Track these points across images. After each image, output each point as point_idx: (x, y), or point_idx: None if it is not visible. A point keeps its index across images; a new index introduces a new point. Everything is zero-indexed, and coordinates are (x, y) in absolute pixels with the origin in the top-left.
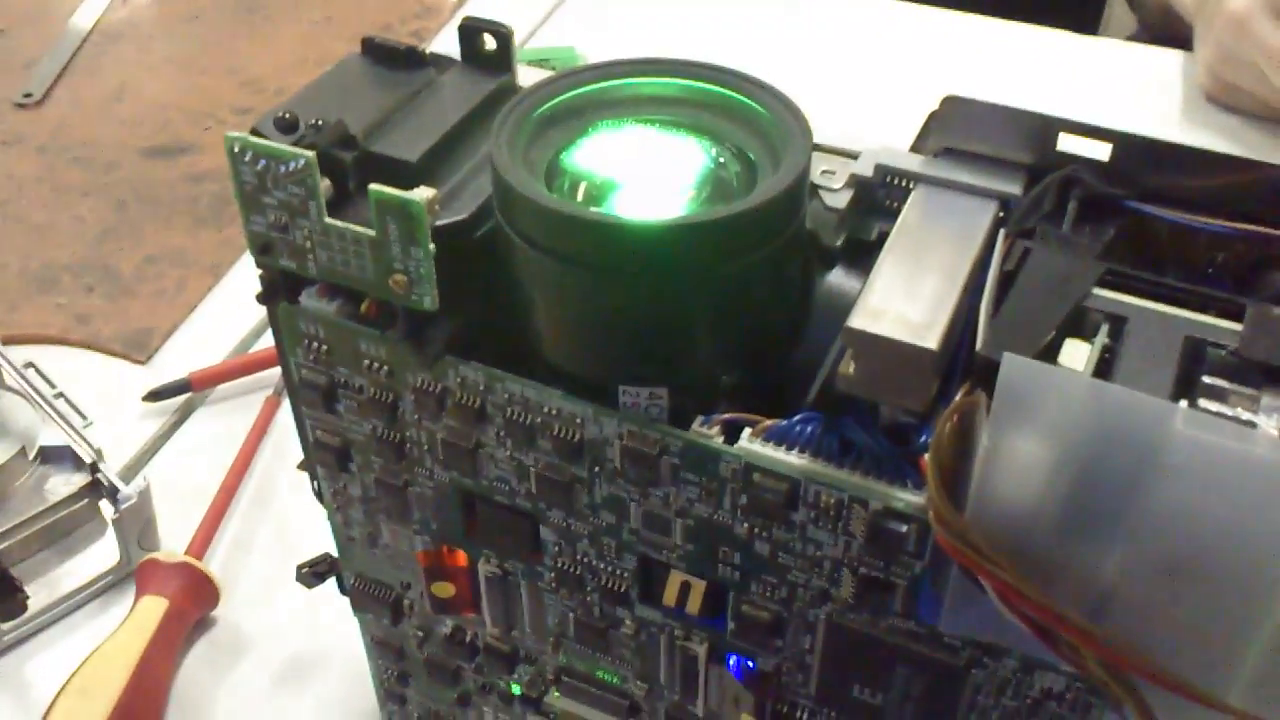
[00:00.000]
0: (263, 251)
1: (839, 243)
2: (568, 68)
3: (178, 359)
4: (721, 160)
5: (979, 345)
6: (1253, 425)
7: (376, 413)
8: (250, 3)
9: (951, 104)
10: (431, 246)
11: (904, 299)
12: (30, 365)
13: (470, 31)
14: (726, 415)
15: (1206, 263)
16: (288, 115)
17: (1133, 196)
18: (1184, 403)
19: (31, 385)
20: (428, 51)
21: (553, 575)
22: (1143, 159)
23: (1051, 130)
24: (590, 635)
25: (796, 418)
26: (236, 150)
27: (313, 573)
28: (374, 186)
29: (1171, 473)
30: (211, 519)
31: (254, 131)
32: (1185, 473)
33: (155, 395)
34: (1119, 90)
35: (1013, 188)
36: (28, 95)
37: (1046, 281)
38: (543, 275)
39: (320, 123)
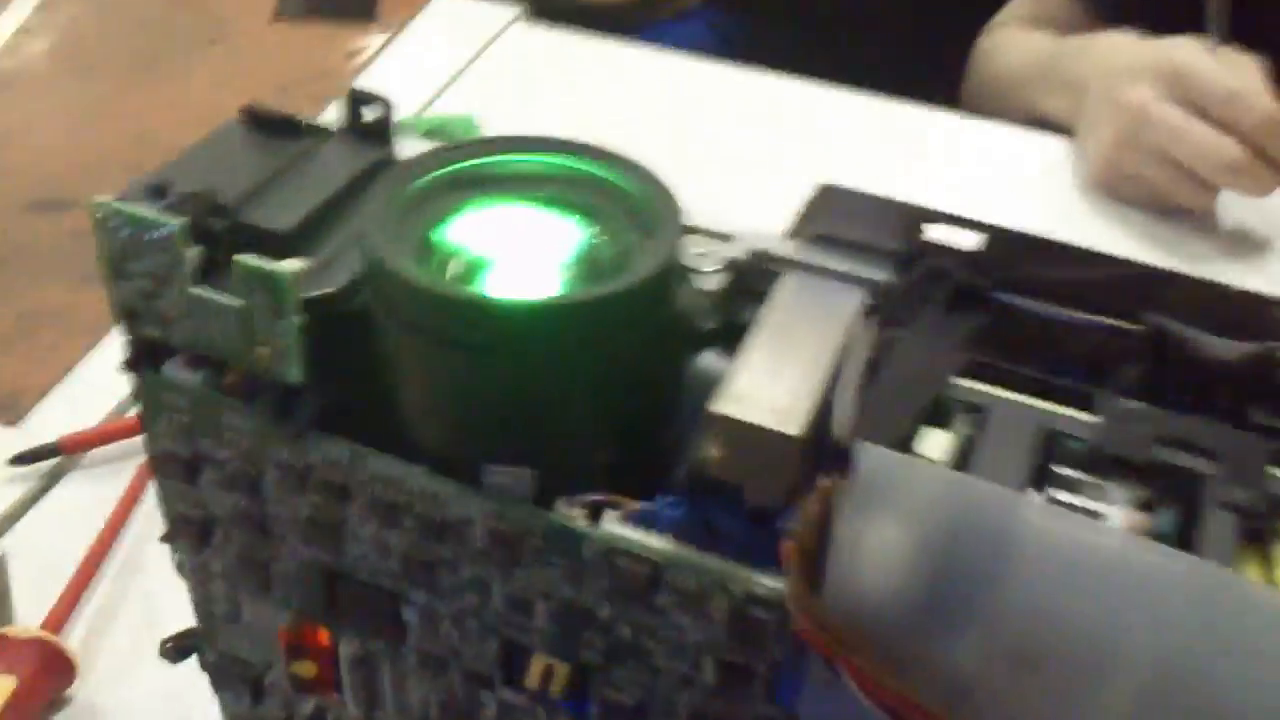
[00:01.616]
0: (128, 319)
1: (712, 325)
2: (444, 144)
3: (50, 422)
4: (596, 240)
5: (838, 432)
6: (1100, 516)
7: (239, 487)
8: (148, 57)
9: (825, 192)
10: (298, 319)
11: (768, 384)
12: None
13: (352, 102)
14: (592, 497)
15: (1066, 354)
16: (158, 182)
17: (1000, 287)
18: (1034, 493)
19: None
20: (307, 122)
21: (415, 656)
22: (1010, 251)
23: (922, 220)
24: (453, 718)
25: (662, 500)
26: (102, 216)
27: (176, 648)
28: (239, 257)
29: (1023, 563)
30: (73, 591)
31: (123, 198)
32: (1036, 563)
33: (21, 459)
34: (1005, 173)
35: (883, 274)
36: None
37: (909, 370)
38: (407, 351)
39: (193, 191)
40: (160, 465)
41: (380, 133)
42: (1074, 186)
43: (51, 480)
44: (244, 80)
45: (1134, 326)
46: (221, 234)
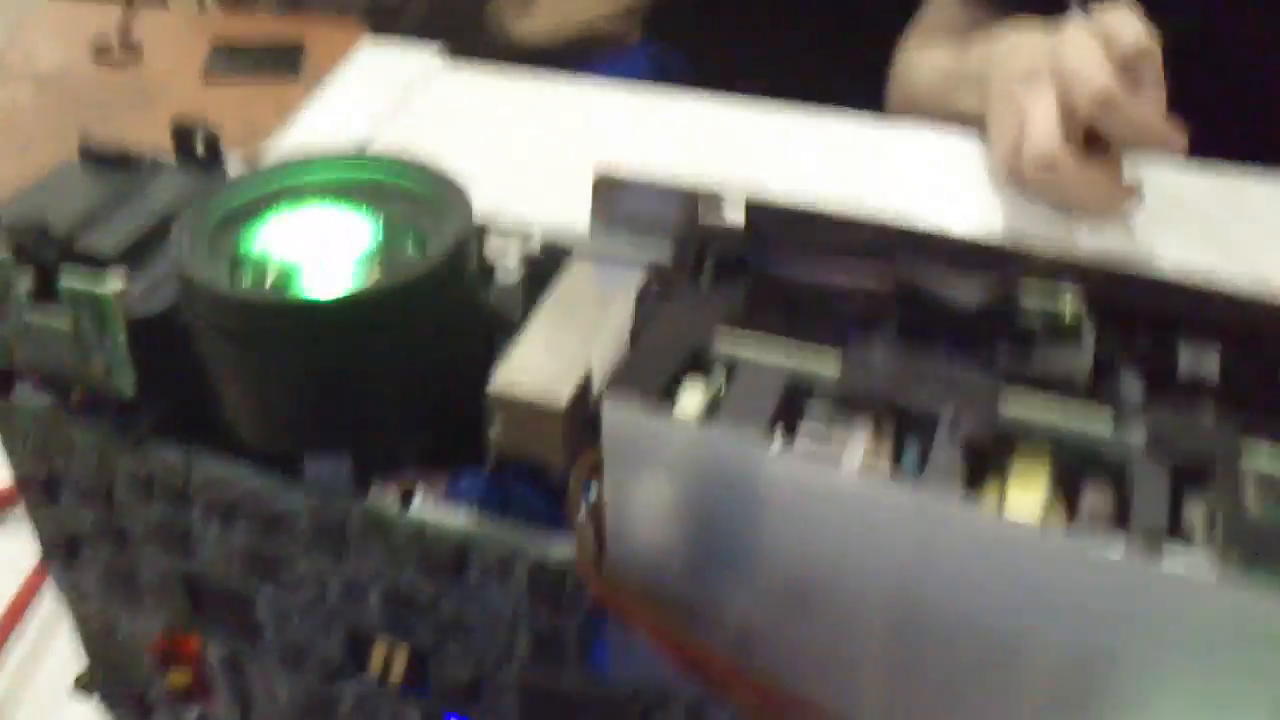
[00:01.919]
0: None
1: (515, 315)
2: (251, 169)
3: None
4: (394, 238)
5: (595, 395)
6: (837, 457)
7: (94, 502)
8: (82, 129)
9: (607, 179)
10: (123, 335)
11: (542, 361)
12: None
13: (182, 134)
14: (405, 477)
15: (826, 316)
16: None
17: (763, 256)
18: (778, 440)
19: None
20: (142, 156)
21: (274, 653)
22: (774, 222)
23: (696, 201)
24: (316, 713)
25: (463, 475)
26: None
27: (87, 683)
28: (65, 280)
29: (772, 508)
30: None
31: None
32: (782, 507)
33: None
34: (934, 175)
35: (660, 256)
36: None
37: (671, 338)
38: (223, 356)
39: (22, 222)
40: (23, 488)
41: (213, 162)
42: (978, 183)
43: None
44: None
45: (885, 280)
46: (53, 262)
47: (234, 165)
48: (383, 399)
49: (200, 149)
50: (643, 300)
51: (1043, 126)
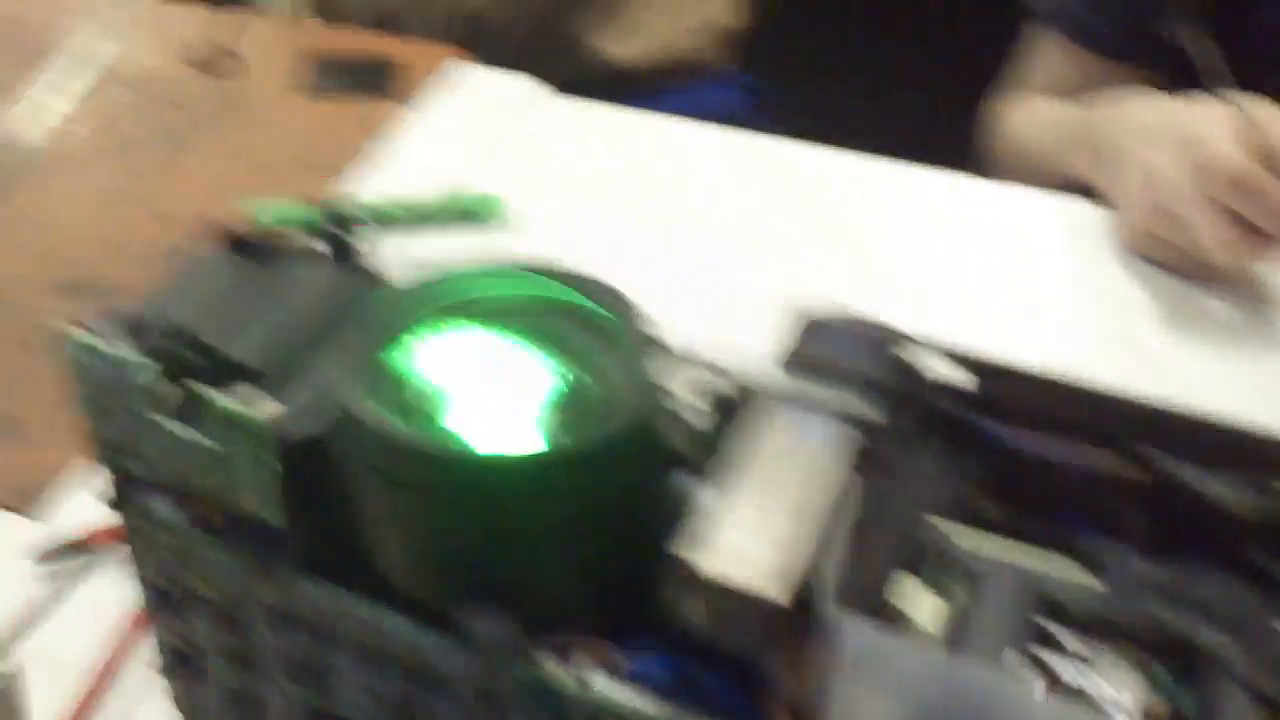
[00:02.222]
0: (108, 456)
1: (700, 458)
2: (418, 273)
3: (74, 513)
4: (573, 373)
5: (824, 599)
6: (1108, 700)
7: (226, 625)
8: (177, 136)
9: (813, 321)
10: (277, 463)
11: (750, 538)
12: None
13: (334, 228)
14: (569, 642)
15: (1068, 495)
16: (135, 318)
17: (993, 423)
18: (1031, 677)
19: None
20: (288, 245)
21: None
22: (1004, 385)
23: (914, 354)
24: None
25: (646, 653)
26: (77, 355)
27: None
28: (219, 402)
29: None
30: (88, 697)
31: (99, 333)
32: None
33: (48, 556)
34: (1033, 238)
35: (873, 411)
36: None
37: (898, 527)
38: (386, 501)
39: (170, 326)
40: (150, 598)
41: (365, 256)
42: (1099, 250)
43: (75, 577)
44: (265, 157)
45: (1134, 469)
46: (200, 369)
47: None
48: (550, 558)
49: (349, 238)
50: (861, 474)
51: (1224, 145)
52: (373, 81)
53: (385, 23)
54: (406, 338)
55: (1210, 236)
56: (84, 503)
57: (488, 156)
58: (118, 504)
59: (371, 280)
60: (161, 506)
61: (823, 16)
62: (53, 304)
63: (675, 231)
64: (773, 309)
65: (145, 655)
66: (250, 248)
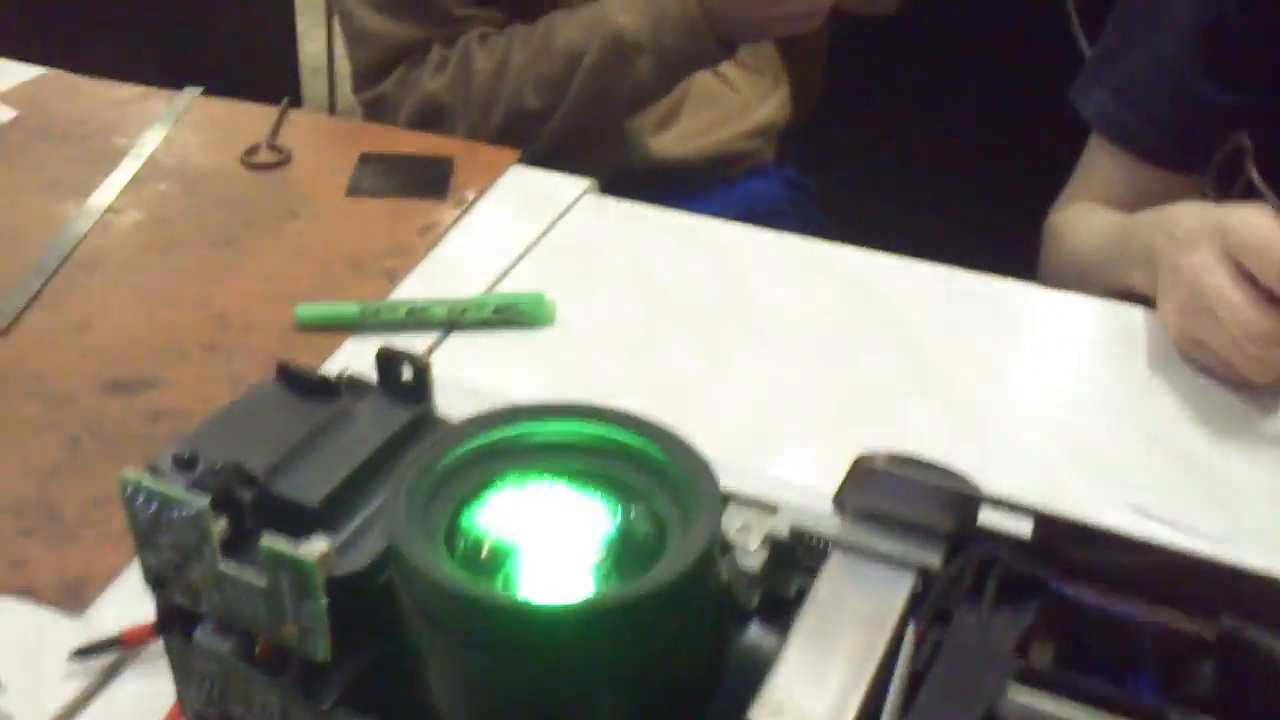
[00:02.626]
0: (157, 586)
1: (755, 601)
2: (472, 417)
3: (112, 610)
4: (628, 518)
5: None
6: None
7: None
8: (228, 234)
9: (869, 469)
10: (324, 602)
11: (808, 691)
12: None
13: (387, 360)
14: None
15: (1132, 649)
16: (187, 452)
17: (1055, 575)
18: None
19: None
20: (342, 378)
21: None
22: (1065, 536)
23: (971, 503)
24: None
25: None
26: (130, 491)
27: None
28: (265, 541)
29: None
30: None
31: (153, 468)
32: None
33: (82, 653)
34: (1080, 346)
35: (931, 559)
36: None
37: (957, 683)
38: (436, 646)
39: (221, 462)
40: None
41: (418, 390)
42: (1150, 358)
43: (110, 675)
44: (318, 257)
45: (1201, 627)
46: (249, 504)
47: (444, 396)
48: (601, 706)
49: (407, 376)
50: (919, 623)
51: (1245, 302)
52: (423, 181)
53: (431, 117)
54: (460, 480)
55: (1246, 337)
56: (125, 598)
57: (538, 257)
58: (163, 631)
59: (425, 415)
60: (207, 637)
61: (868, 111)
62: (101, 401)
63: (725, 340)
64: (823, 423)
65: None
66: (303, 381)
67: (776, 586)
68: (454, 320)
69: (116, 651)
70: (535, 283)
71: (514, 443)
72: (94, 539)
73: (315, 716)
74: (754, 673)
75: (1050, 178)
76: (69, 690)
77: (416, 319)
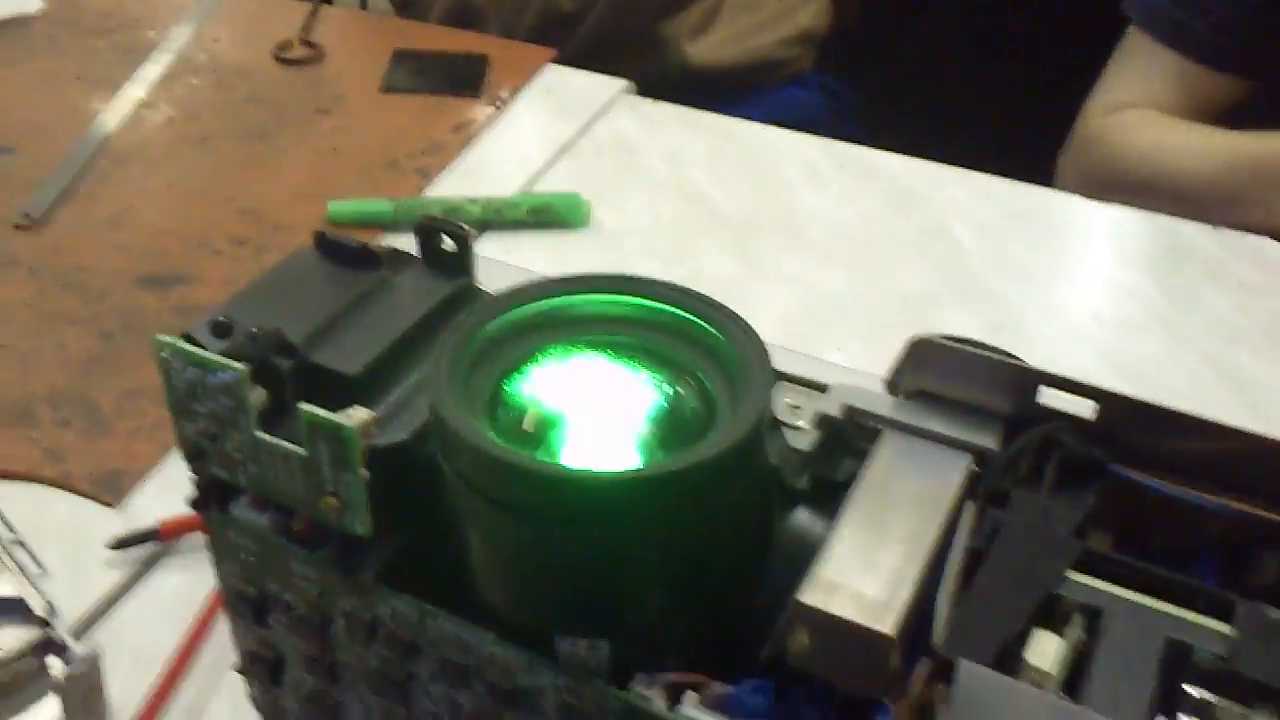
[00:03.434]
0: (194, 458)
1: (804, 483)
2: (517, 285)
3: (149, 503)
4: (675, 393)
5: (939, 638)
6: None
7: (307, 632)
8: (260, 129)
9: (926, 347)
10: (364, 473)
11: (862, 571)
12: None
13: (428, 231)
14: (672, 676)
15: (1194, 537)
16: (224, 319)
17: (1116, 459)
18: None
19: None
20: (382, 250)
21: None
22: (1129, 419)
23: (1032, 382)
24: None
25: (746, 686)
26: (166, 356)
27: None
28: (305, 407)
29: None
30: (165, 685)
31: (188, 336)
32: None
33: (121, 544)
34: (1126, 259)
35: (988, 441)
36: (26, 216)
37: (1015, 565)
38: (480, 518)
39: (259, 329)
40: (229, 602)
41: (460, 262)
42: (1197, 271)
43: (148, 566)
44: (350, 155)
45: (1268, 513)
46: (288, 374)
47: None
48: (653, 584)
49: (448, 247)
50: (975, 505)
51: None
52: (457, 78)
53: (463, 17)
54: (504, 351)
55: None
56: (161, 493)
57: (573, 158)
58: (200, 506)
59: (466, 287)
60: (245, 511)
61: (904, 20)
62: (135, 295)
63: (762, 244)
64: (861, 330)
65: (219, 645)
66: (342, 251)
67: (826, 468)
68: (488, 220)
69: (153, 543)
70: (570, 183)
71: (559, 314)
72: (129, 432)
73: (353, 592)
74: (801, 555)
75: (1082, 73)
76: (108, 580)
77: (451, 216)
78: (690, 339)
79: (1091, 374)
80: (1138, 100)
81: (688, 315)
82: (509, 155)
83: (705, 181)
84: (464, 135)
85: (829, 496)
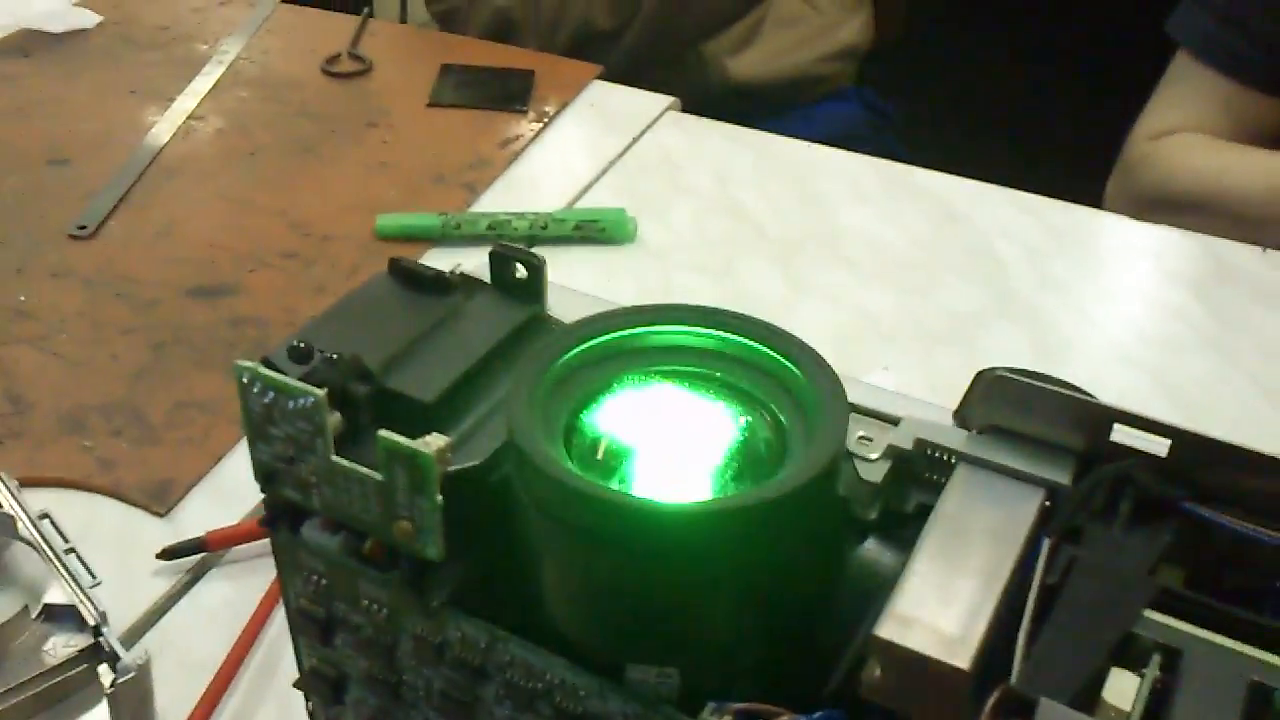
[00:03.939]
0: (267, 480)
1: (874, 515)
2: (593, 315)
3: (198, 513)
4: (749, 424)
5: (1015, 677)
6: None
7: (373, 653)
8: (308, 143)
9: (996, 382)
10: (439, 499)
11: (937, 605)
12: (46, 516)
13: (501, 259)
14: (741, 705)
15: (1267, 576)
16: (302, 345)
17: (1191, 497)
18: None
19: (44, 537)
20: (458, 272)
21: None
22: (1203, 457)
23: (1105, 420)
24: None
25: (816, 716)
26: (245, 380)
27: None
28: (383, 434)
29: None
30: (213, 694)
31: (266, 361)
32: None
33: (170, 554)
34: (1172, 279)
35: (1061, 476)
36: (82, 227)
37: (1092, 603)
38: (554, 546)
39: (336, 354)
40: (295, 620)
41: (532, 289)
42: (1243, 293)
43: (197, 575)
44: (398, 169)
45: None
46: (363, 401)
47: (557, 296)
48: (724, 615)
49: (520, 274)
50: (1049, 540)
51: None
52: (504, 93)
53: (501, 31)
54: (578, 381)
55: None
56: (209, 502)
57: (619, 174)
58: (271, 526)
59: (538, 315)
60: (315, 534)
61: (947, 36)
62: (185, 306)
63: (807, 261)
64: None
65: (266, 654)
66: (416, 277)
67: (896, 500)
68: (534, 235)
69: (200, 553)
70: (616, 198)
71: (634, 344)
72: (177, 442)
73: (424, 615)
74: (870, 588)
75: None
76: (157, 588)
77: (497, 232)
78: (764, 371)
79: (1138, 394)
80: (1186, 124)
81: (762, 348)
82: (555, 170)
83: (750, 198)
84: (510, 150)
85: (898, 527)
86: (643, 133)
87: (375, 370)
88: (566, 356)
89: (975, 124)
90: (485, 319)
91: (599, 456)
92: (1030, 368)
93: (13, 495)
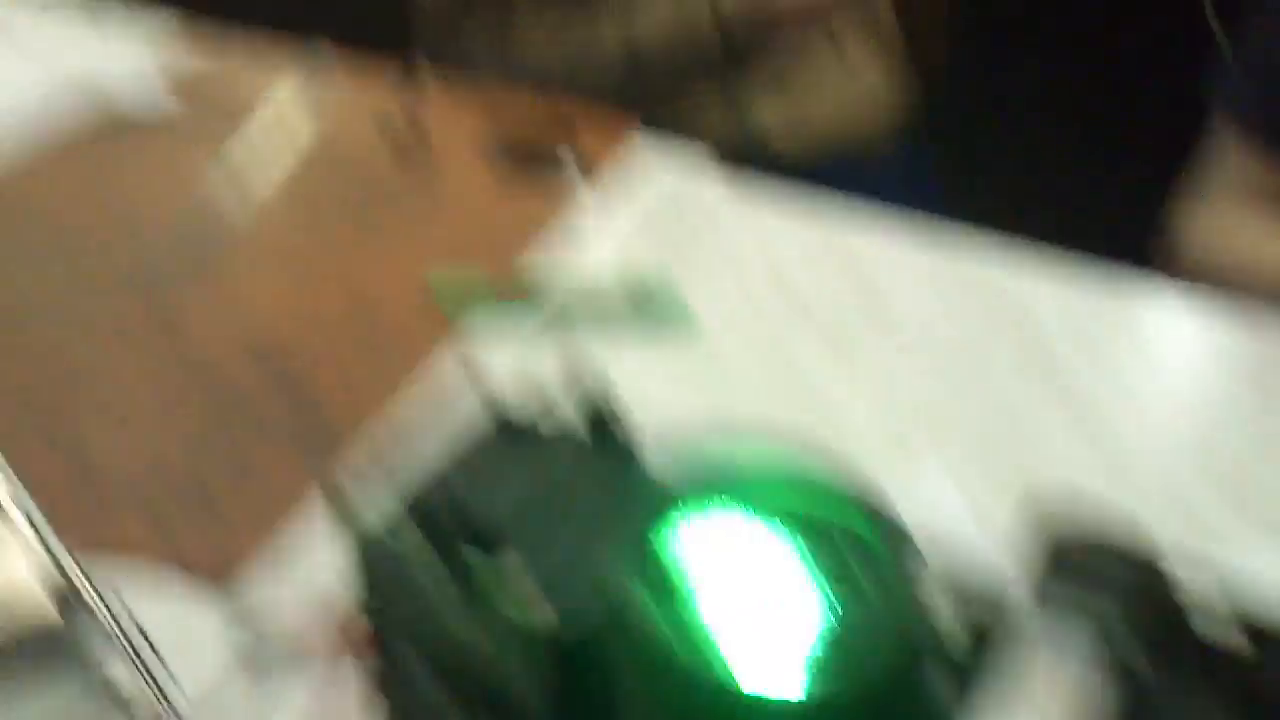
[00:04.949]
0: (372, 614)
1: (955, 688)
2: (687, 481)
3: (257, 584)
4: (837, 606)
5: None
6: None
7: None
8: (363, 209)
9: (1067, 559)
10: (547, 667)
11: None
12: (115, 591)
13: (598, 421)
14: None
15: None
16: (420, 504)
17: (1262, 690)
18: None
19: (113, 615)
20: (554, 428)
21: None
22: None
23: (1178, 608)
24: None
25: None
26: (363, 548)
27: None
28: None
29: None
30: None
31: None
32: None
33: (249, 661)
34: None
35: (1133, 656)
36: (147, 294)
37: None
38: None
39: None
40: None
41: (627, 446)
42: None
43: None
44: (454, 244)
45: None
46: (478, 566)
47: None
48: None
49: (605, 419)
50: (1118, 694)
51: None
52: (554, 158)
53: (556, 78)
54: (677, 542)
55: None
56: (269, 575)
57: (663, 241)
58: (368, 655)
59: (631, 466)
60: (420, 672)
61: (987, 86)
62: (243, 373)
63: (854, 340)
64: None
65: None
66: (516, 431)
67: (981, 678)
68: (584, 304)
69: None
70: (660, 265)
71: (730, 499)
72: (237, 512)
73: None
74: None
75: (1169, 161)
76: (217, 661)
77: (548, 299)
78: (855, 545)
79: (1189, 483)
80: (1229, 194)
81: (854, 519)
82: (605, 242)
83: (793, 271)
84: (563, 216)
85: (969, 682)
86: (695, 203)
87: (489, 536)
88: (664, 517)
89: (1016, 174)
90: (587, 480)
91: (695, 627)
92: (1084, 464)
93: (76, 564)
